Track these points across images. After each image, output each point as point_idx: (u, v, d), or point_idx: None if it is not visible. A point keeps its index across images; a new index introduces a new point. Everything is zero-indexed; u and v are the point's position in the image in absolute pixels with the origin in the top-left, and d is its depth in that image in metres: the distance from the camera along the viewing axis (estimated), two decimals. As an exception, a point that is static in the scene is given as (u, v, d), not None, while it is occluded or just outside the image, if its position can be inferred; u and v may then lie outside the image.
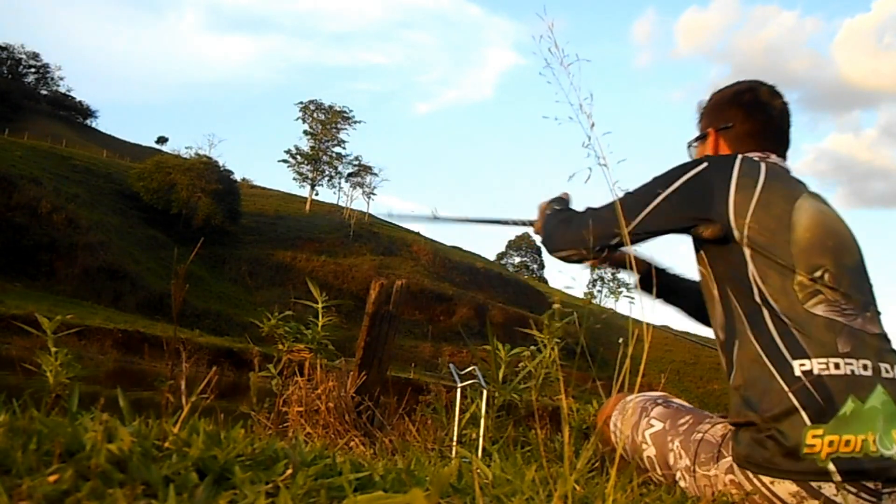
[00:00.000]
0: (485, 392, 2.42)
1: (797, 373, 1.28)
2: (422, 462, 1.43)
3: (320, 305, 2.85)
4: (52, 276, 38.03)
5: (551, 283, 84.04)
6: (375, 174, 71.30)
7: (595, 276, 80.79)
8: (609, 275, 80.00)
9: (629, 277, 1.85)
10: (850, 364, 1.27)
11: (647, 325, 1.00)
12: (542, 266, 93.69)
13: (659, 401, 1.59)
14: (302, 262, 54.70)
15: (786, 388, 1.27)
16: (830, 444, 1.23)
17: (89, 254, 40.19)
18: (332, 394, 2.66)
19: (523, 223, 1.96)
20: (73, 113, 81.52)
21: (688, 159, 1.56)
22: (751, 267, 1.37)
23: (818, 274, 1.34)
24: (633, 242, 1.50)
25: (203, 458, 0.78)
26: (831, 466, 1.23)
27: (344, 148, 69.77)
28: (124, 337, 26.51)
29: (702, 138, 1.68)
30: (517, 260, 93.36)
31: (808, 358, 1.28)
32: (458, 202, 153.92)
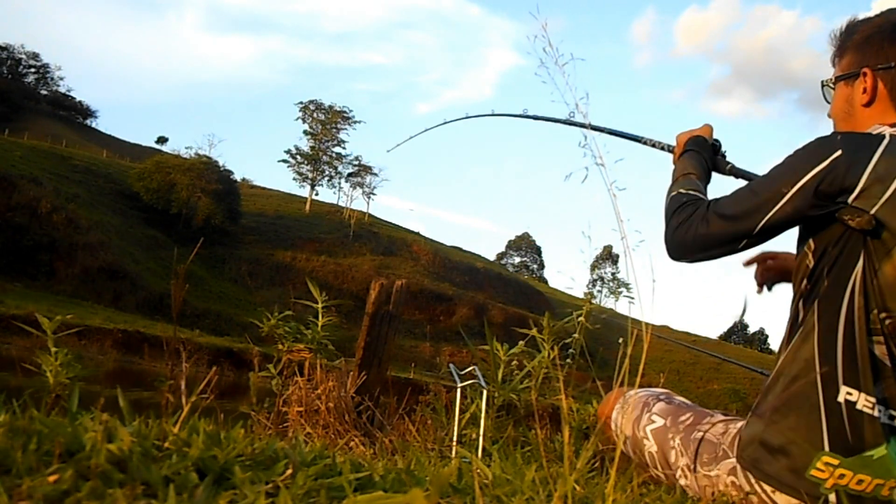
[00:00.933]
0: (485, 392, 2.42)
1: (840, 398, 1.20)
2: (422, 462, 1.43)
3: (320, 305, 2.85)
4: (52, 276, 38.04)
5: (551, 283, 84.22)
6: (375, 174, 71.44)
7: (595, 276, 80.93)
8: (609, 274, 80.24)
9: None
10: (881, 412, 1.20)
11: (647, 324, 1.00)
12: (542, 266, 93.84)
13: (661, 396, 1.58)
14: (302, 262, 54.72)
15: (821, 407, 1.21)
16: (841, 476, 1.18)
17: (89, 254, 40.20)
18: (332, 394, 2.66)
19: (661, 146, 1.78)
20: (73, 113, 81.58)
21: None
22: (858, 269, 1.22)
23: (882, 315, 1.21)
24: (761, 242, 1.34)
25: (203, 458, 0.78)
26: (833, 498, 1.19)
27: (344, 148, 69.90)
28: (124, 337, 26.52)
29: (850, 77, 1.40)
30: (517, 260, 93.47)
31: (859, 390, 1.20)
32: (459, 202, 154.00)
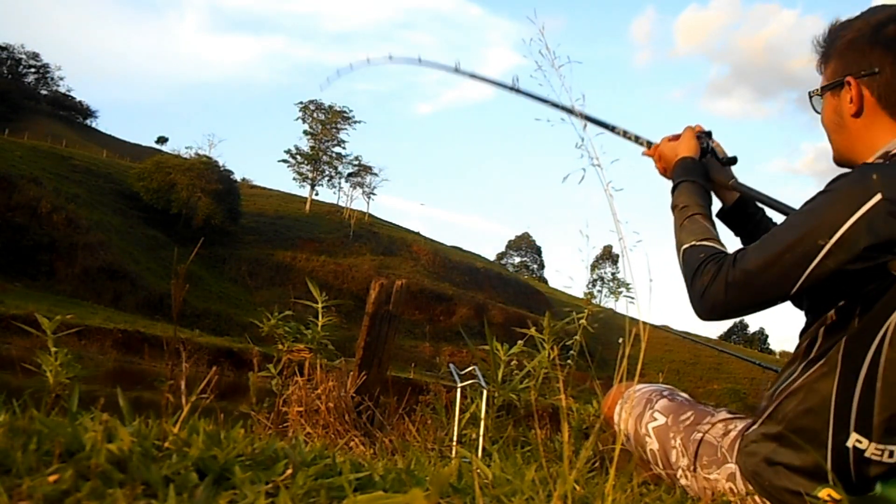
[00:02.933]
0: (485, 392, 2.42)
1: (849, 444, 1.16)
2: (422, 462, 1.44)
3: (320, 305, 2.85)
4: (52, 276, 38.06)
5: (551, 284, 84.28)
6: (375, 174, 71.54)
7: (595, 276, 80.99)
8: (609, 274, 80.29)
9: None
10: (890, 456, 1.16)
11: (645, 324, 1.00)
12: (541, 266, 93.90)
13: (665, 392, 1.57)
14: (302, 262, 54.74)
15: (829, 446, 1.17)
16: None
17: (89, 254, 40.21)
18: (332, 394, 2.66)
19: (637, 139, 1.69)
20: (73, 113, 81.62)
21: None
22: (894, 318, 1.14)
23: None
24: (801, 300, 1.24)
25: (203, 458, 0.78)
26: None
27: (344, 148, 69.95)
28: (124, 337, 26.54)
29: (835, 87, 1.32)
30: (517, 260, 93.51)
31: (870, 439, 1.15)
32: (459, 202, 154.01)
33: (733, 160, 1.60)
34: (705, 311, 1.26)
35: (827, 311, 1.21)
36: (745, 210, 1.65)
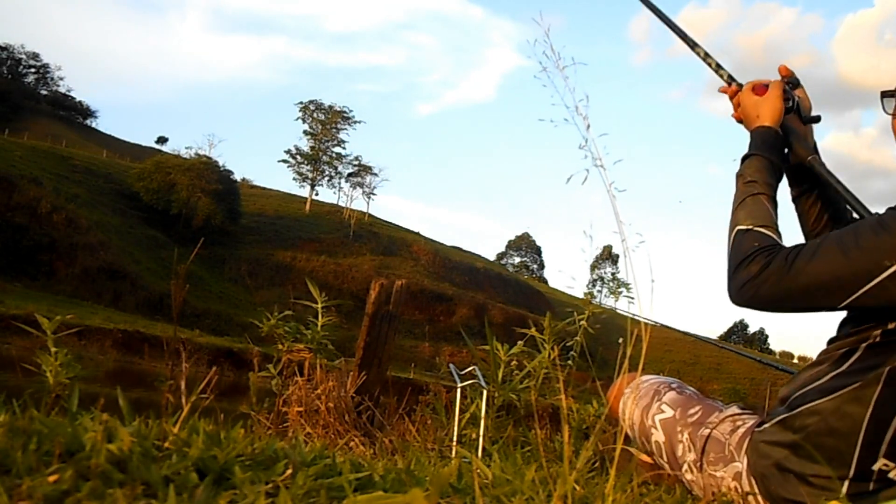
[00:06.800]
0: (485, 392, 2.42)
1: (875, 467, 1.14)
2: (422, 462, 1.44)
3: (320, 305, 2.85)
4: (52, 276, 38.06)
5: (551, 284, 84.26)
6: (375, 174, 71.57)
7: (595, 276, 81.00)
8: (609, 274, 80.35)
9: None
10: None
11: (646, 323, 1.00)
12: (541, 266, 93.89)
13: (674, 385, 1.57)
14: (302, 262, 54.75)
15: (852, 468, 1.15)
16: None
17: (89, 254, 40.22)
18: (332, 394, 2.66)
19: (719, 69, 1.55)
20: (73, 113, 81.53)
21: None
22: None
23: None
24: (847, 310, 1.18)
25: (203, 458, 0.78)
26: None
27: (344, 148, 69.99)
28: (124, 337, 26.54)
29: None
30: (517, 260, 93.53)
31: None
32: (459, 202, 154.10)
33: (816, 119, 1.49)
34: (743, 300, 1.22)
35: (873, 329, 1.18)
36: (810, 175, 1.50)
